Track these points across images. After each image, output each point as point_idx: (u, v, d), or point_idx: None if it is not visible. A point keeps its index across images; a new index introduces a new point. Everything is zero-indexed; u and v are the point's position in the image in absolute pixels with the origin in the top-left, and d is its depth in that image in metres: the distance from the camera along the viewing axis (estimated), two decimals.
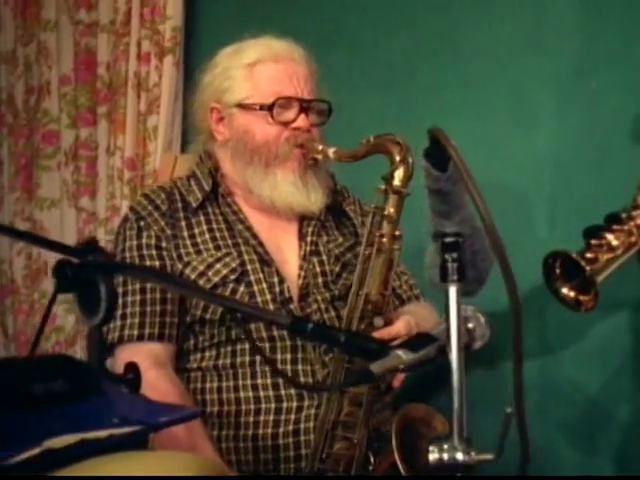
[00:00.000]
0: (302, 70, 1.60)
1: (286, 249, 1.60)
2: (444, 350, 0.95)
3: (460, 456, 0.94)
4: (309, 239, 1.61)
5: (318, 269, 1.58)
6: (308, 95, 1.58)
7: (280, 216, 1.60)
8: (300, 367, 1.48)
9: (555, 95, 2.10)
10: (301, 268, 1.57)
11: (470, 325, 1.01)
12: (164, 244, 1.55)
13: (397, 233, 1.45)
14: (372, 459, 1.34)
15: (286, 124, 1.55)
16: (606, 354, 2.03)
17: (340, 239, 1.65)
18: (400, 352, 0.93)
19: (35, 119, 2.83)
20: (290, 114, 1.56)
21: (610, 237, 1.31)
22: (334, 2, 2.45)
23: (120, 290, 1.50)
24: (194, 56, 2.67)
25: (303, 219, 1.62)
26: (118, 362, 1.48)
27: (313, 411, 1.44)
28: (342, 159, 1.52)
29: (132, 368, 1.15)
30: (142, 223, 1.57)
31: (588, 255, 1.29)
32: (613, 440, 2.01)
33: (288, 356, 1.48)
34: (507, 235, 2.08)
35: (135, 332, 1.48)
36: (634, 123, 2.02)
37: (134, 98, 2.65)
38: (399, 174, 1.45)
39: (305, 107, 1.57)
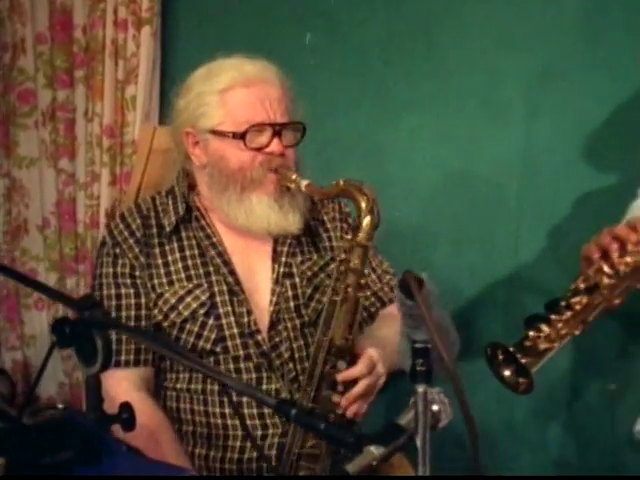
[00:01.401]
0: (275, 91, 1.62)
1: (259, 272, 1.67)
2: (412, 438, 1.08)
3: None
4: (283, 260, 1.68)
5: (290, 293, 1.66)
6: (281, 117, 1.61)
7: (255, 237, 1.66)
8: (264, 387, 1.59)
9: (525, 94, 2.19)
10: (273, 293, 1.65)
11: (435, 407, 1.14)
12: (138, 272, 1.63)
13: (362, 282, 1.53)
14: None
15: (260, 149, 1.60)
16: None
17: (315, 257, 1.72)
18: (372, 448, 1.05)
19: (10, 77, 2.82)
20: (263, 139, 1.60)
21: (547, 329, 1.40)
22: None
23: None
24: (172, 26, 2.67)
25: (277, 239, 1.68)
26: (104, 384, 1.59)
27: (277, 440, 1.56)
28: (313, 194, 1.59)
29: (126, 408, 1.28)
30: (117, 250, 1.64)
31: (526, 344, 1.39)
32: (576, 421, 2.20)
33: (253, 375, 1.60)
34: (479, 225, 2.24)
35: (122, 358, 1.59)
36: (600, 125, 2.12)
37: (111, 66, 2.65)
38: (366, 224, 1.51)
39: (278, 131, 1.60)
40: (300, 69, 2.43)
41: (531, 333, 1.39)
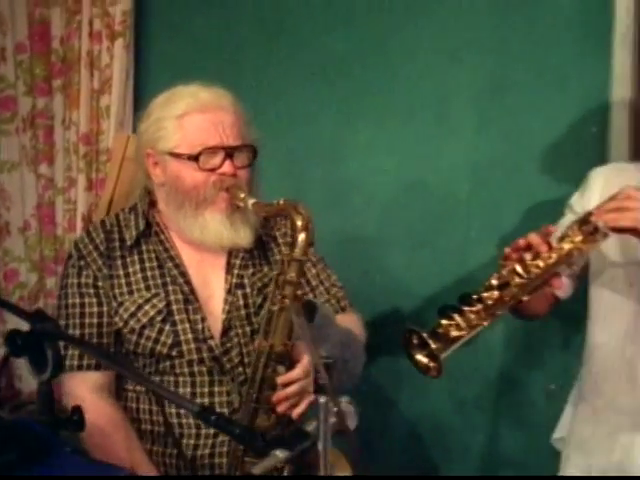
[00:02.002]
0: (228, 117, 1.73)
1: (213, 282, 1.79)
2: (315, 443, 1.20)
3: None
4: (235, 272, 1.80)
5: (242, 302, 1.78)
6: (234, 141, 1.72)
7: (210, 250, 1.77)
8: (217, 399, 1.71)
9: (475, 108, 2.30)
10: (225, 302, 1.77)
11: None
12: (100, 283, 1.75)
13: (299, 293, 1.64)
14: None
15: (213, 170, 1.70)
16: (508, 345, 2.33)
17: (265, 269, 1.83)
18: (278, 452, 1.18)
19: None
20: (216, 160, 1.71)
21: (458, 319, 1.50)
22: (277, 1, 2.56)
23: (62, 323, 1.73)
24: (145, 37, 2.78)
25: (231, 252, 1.80)
26: (64, 387, 1.72)
27: (227, 437, 1.68)
28: (257, 212, 1.70)
29: (77, 411, 1.41)
30: (82, 262, 1.76)
31: (439, 331, 1.49)
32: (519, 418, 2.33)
33: (206, 389, 1.72)
34: (431, 231, 2.35)
35: (75, 362, 1.71)
36: (545, 136, 2.23)
37: (87, 76, 2.77)
38: (301, 241, 1.62)
39: (230, 153, 1.72)
40: (265, 80, 2.56)
41: (444, 322, 1.48)
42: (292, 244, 1.64)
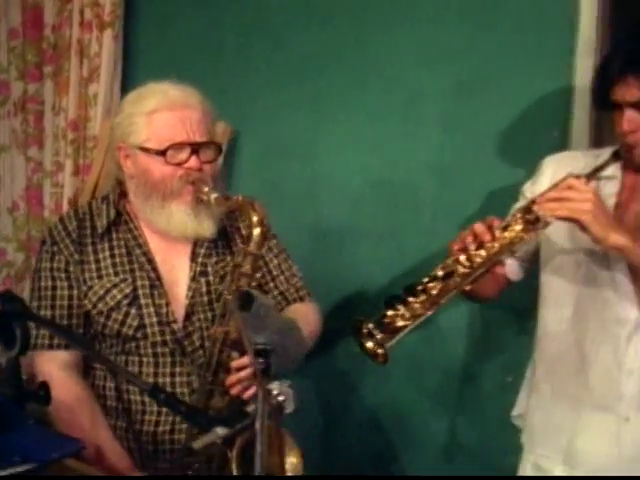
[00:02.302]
0: (195, 115, 1.82)
1: (179, 270, 1.89)
2: (253, 422, 1.30)
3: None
4: (200, 260, 1.90)
5: (204, 289, 1.88)
6: (200, 137, 1.81)
7: (177, 239, 1.87)
8: (177, 379, 1.82)
9: (441, 109, 2.38)
10: (189, 289, 1.87)
11: (281, 398, 1.36)
12: (72, 268, 1.85)
13: (253, 284, 1.74)
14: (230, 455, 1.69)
15: (180, 164, 1.80)
16: (468, 337, 2.42)
17: (228, 258, 1.92)
18: (219, 429, 1.28)
19: None
20: (183, 155, 1.80)
21: (403, 309, 1.60)
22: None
23: (35, 304, 1.84)
24: (134, 28, 2.86)
25: (197, 242, 1.90)
26: (35, 364, 1.83)
27: (171, 416, 1.79)
28: (219, 205, 1.79)
29: (43, 386, 1.52)
30: (55, 248, 1.87)
31: (385, 321, 1.59)
32: (476, 408, 2.43)
33: (168, 370, 1.82)
34: (398, 225, 2.44)
35: (46, 342, 1.81)
36: (507, 140, 2.32)
37: (77, 64, 2.86)
38: (256, 235, 1.71)
39: (196, 149, 1.81)
40: (245, 77, 2.66)
41: (389, 312, 1.58)
42: (248, 238, 1.73)
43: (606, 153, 1.80)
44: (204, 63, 2.70)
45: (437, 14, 2.34)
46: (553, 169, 1.88)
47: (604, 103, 1.78)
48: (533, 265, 1.97)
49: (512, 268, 1.98)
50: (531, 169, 2.28)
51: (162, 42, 2.82)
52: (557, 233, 1.82)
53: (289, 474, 1.54)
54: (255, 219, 1.71)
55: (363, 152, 2.48)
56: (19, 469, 1.30)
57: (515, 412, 2.04)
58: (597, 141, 2.23)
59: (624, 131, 1.72)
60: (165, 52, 2.83)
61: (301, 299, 2.02)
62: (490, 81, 2.31)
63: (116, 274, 1.85)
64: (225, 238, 1.95)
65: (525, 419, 1.99)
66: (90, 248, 1.87)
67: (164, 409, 1.80)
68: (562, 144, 2.23)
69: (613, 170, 1.82)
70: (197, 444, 1.27)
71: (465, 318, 2.42)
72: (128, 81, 2.85)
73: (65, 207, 2.91)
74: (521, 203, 1.93)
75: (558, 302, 1.89)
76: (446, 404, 2.43)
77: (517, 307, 2.28)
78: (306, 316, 1.97)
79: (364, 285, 2.50)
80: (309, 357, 2.27)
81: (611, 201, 1.82)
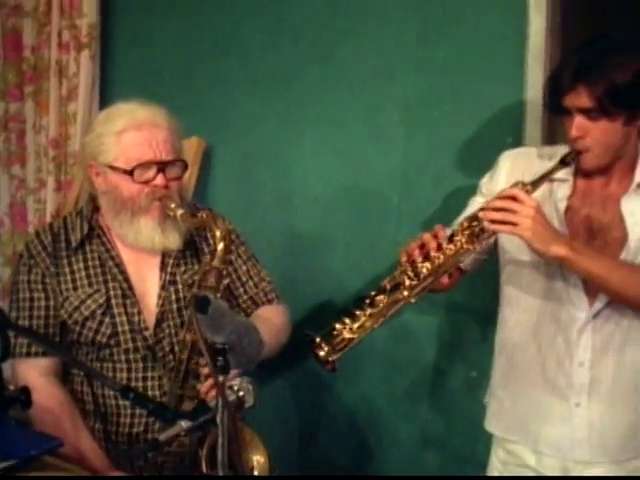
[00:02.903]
0: (162, 134, 1.91)
1: (149, 280, 1.99)
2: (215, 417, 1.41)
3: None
4: (169, 270, 2.00)
5: (174, 297, 1.98)
6: (166, 156, 1.91)
7: (146, 251, 1.98)
8: (149, 383, 1.93)
9: (404, 119, 2.50)
10: (160, 297, 1.97)
11: (241, 393, 1.47)
12: (48, 280, 1.95)
13: (218, 295, 1.82)
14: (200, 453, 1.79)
15: (147, 182, 1.90)
16: (436, 337, 2.54)
17: (197, 267, 2.02)
18: (182, 422, 1.39)
19: None
20: (150, 174, 1.90)
21: (350, 322, 1.67)
22: (230, 16, 2.75)
23: (14, 315, 1.94)
24: (110, 48, 2.97)
25: (165, 253, 2.00)
26: (15, 372, 1.93)
27: (145, 418, 1.91)
28: (185, 222, 1.89)
29: (24, 391, 1.63)
30: (32, 261, 1.97)
31: (334, 333, 1.65)
32: (444, 402, 2.54)
33: (140, 374, 1.93)
34: (367, 231, 2.56)
35: (24, 350, 1.91)
36: (465, 146, 2.44)
37: (56, 84, 2.97)
38: (220, 250, 1.81)
39: (162, 167, 1.91)
40: (219, 90, 2.77)
41: (337, 325, 1.67)
42: (212, 254, 1.83)
43: (561, 150, 1.88)
44: (178, 80, 2.81)
45: (398, 29, 2.47)
46: (510, 165, 1.97)
47: (556, 109, 1.88)
48: (487, 257, 2.06)
49: (468, 260, 2.07)
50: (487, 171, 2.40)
51: (137, 61, 2.93)
52: (513, 239, 1.89)
53: (256, 472, 1.65)
54: (218, 234, 1.81)
55: (331, 162, 2.60)
56: (1, 465, 1.40)
57: (486, 398, 2.13)
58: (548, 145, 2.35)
59: (573, 137, 1.83)
60: (140, 70, 2.94)
61: (269, 302, 2.12)
62: (449, 91, 2.43)
63: (90, 285, 1.96)
64: (193, 248, 2.05)
65: (491, 405, 2.09)
66: (65, 261, 1.97)
67: (137, 411, 1.91)
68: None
69: (566, 174, 1.92)
70: (163, 436, 1.38)
71: (434, 320, 2.53)
72: (106, 99, 2.95)
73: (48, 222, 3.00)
74: (477, 198, 2.04)
75: (517, 302, 2.00)
76: (417, 401, 2.54)
77: (480, 309, 2.40)
78: (274, 317, 2.08)
79: (336, 289, 2.61)
80: (285, 359, 2.39)
81: (562, 204, 1.92)
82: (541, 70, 2.31)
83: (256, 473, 1.67)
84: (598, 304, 1.87)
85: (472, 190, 2.38)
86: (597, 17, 2.67)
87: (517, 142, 2.34)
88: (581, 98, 1.77)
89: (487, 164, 2.38)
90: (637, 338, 1.90)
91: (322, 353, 1.64)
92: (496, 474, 2.06)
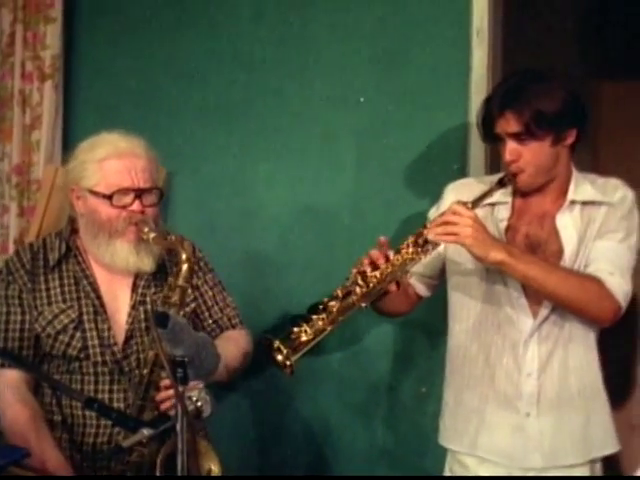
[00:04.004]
0: (141, 163, 2.05)
1: (121, 299, 2.11)
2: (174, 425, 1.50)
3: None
4: (140, 291, 2.11)
5: (143, 316, 2.09)
6: (144, 184, 2.04)
7: (120, 272, 2.09)
8: (115, 395, 2.02)
9: (356, 147, 2.64)
10: (129, 315, 2.09)
11: (199, 403, 1.57)
12: (24, 295, 2.06)
13: (181, 313, 1.96)
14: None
15: (124, 207, 2.02)
16: (388, 354, 2.65)
17: (166, 289, 2.09)
18: (145, 430, 1.48)
19: None
20: (127, 199, 2.02)
21: (306, 326, 1.81)
22: (187, 49, 2.87)
23: None
24: (73, 78, 3.05)
25: (137, 274, 2.11)
26: None
27: (109, 429, 1.99)
28: (156, 244, 2.01)
29: None
30: (10, 278, 2.08)
31: (291, 337, 1.80)
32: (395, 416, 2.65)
33: (107, 387, 2.03)
34: (318, 252, 2.66)
35: None
36: (413, 171, 2.58)
37: (19, 113, 3.03)
38: (184, 271, 1.93)
39: (139, 194, 2.03)
40: (179, 121, 2.88)
41: (295, 329, 1.80)
42: (177, 273, 1.95)
43: (497, 178, 2.05)
44: (139, 109, 2.91)
45: (347, 61, 2.62)
46: (454, 195, 2.11)
47: (490, 137, 2.04)
48: (440, 281, 2.19)
49: (420, 286, 2.20)
50: (435, 198, 2.54)
51: (99, 91, 3.00)
52: (459, 253, 2.05)
53: None
54: (184, 256, 1.94)
55: (287, 187, 2.72)
56: None
57: (441, 415, 2.22)
58: (493, 171, 2.50)
59: (507, 160, 1.98)
60: (102, 100, 3.02)
61: (233, 327, 2.25)
62: (397, 120, 2.59)
63: (64, 301, 2.07)
64: (164, 272, 2.16)
65: (444, 420, 2.19)
66: (42, 278, 2.08)
67: (102, 422, 2.00)
68: (462, 176, 2.49)
69: (505, 196, 2.07)
70: (126, 442, 1.47)
71: (387, 338, 2.65)
72: (69, 127, 3.03)
73: (11, 247, 3.05)
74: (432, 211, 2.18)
75: (463, 316, 2.12)
76: (370, 415, 2.64)
77: (429, 326, 2.52)
78: (237, 340, 2.21)
79: (293, 309, 2.71)
80: (243, 377, 2.48)
81: (503, 225, 2.07)
82: (483, 99, 2.45)
83: None
84: (544, 311, 1.99)
85: (420, 213, 2.53)
86: (535, 48, 2.85)
87: (463, 167, 2.49)
88: (510, 123, 1.93)
89: (434, 188, 2.53)
90: (578, 342, 2.03)
91: (280, 357, 1.76)
92: None
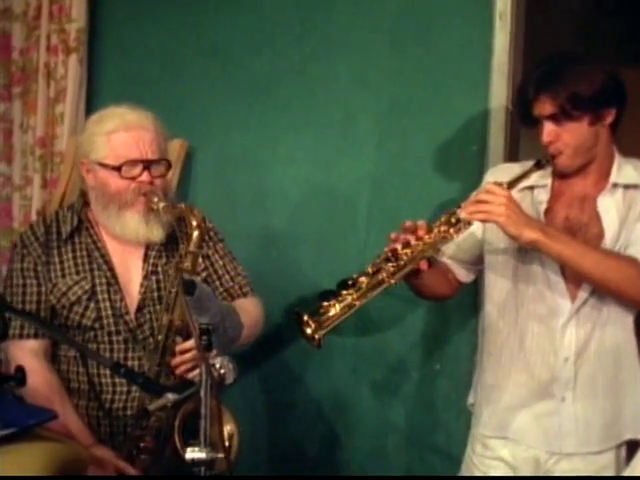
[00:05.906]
0: (149, 135, 2.07)
1: (133, 269, 2.15)
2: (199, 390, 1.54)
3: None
4: (151, 261, 2.15)
5: (155, 286, 2.13)
6: (152, 155, 2.07)
7: (131, 243, 2.13)
8: (130, 363, 2.07)
9: (376, 127, 2.66)
10: (142, 285, 2.13)
11: (222, 371, 1.61)
12: (39, 268, 2.11)
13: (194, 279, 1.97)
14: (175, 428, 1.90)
15: (133, 178, 2.06)
16: (402, 331, 2.69)
17: (177, 259, 2.16)
18: (169, 395, 1.53)
19: None
20: (136, 171, 2.05)
21: (335, 301, 1.82)
22: (213, 23, 2.90)
23: (8, 299, 2.07)
24: (98, 52, 3.09)
25: (149, 245, 2.15)
26: (7, 352, 2.08)
27: (137, 394, 2.05)
28: (166, 212, 2.04)
29: (20, 370, 1.76)
30: (25, 251, 2.12)
31: (320, 311, 1.82)
32: (407, 392, 2.69)
33: (122, 355, 2.08)
34: (336, 231, 2.71)
35: (17, 332, 2.06)
36: (433, 153, 2.60)
37: (44, 85, 3.08)
38: (195, 237, 1.93)
39: (147, 165, 2.06)
40: (202, 95, 2.91)
41: (324, 303, 1.81)
42: (188, 239, 1.96)
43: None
44: (162, 84, 2.94)
45: (371, 44, 2.63)
46: (493, 178, 2.07)
47: (526, 120, 2.04)
48: (481, 266, 2.18)
49: (461, 271, 2.21)
50: (453, 179, 2.57)
51: (123, 65, 3.05)
52: (496, 234, 2.04)
53: (227, 442, 1.78)
54: (194, 223, 1.95)
55: (306, 165, 2.75)
56: (2, 433, 1.53)
57: (469, 401, 2.23)
58: (512, 154, 2.52)
59: (545, 142, 1.98)
60: (126, 74, 3.06)
61: (244, 295, 2.27)
62: (418, 102, 2.60)
63: (77, 273, 2.11)
64: (175, 242, 2.19)
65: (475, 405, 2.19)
66: (55, 251, 2.13)
67: (118, 389, 2.07)
68: (481, 157, 2.51)
69: (544, 178, 2.06)
70: (152, 406, 1.51)
71: (401, 315, 2.68)
72: (93, 101, 3.07)
73: (34, 218, 3.11)
74: None
75: (499, 298, 2.11)
76: (383, 391, 2.68)
77: (445, 304, 2.55)
78: (248, 308, 2.22)
79: (306, 286, 2.75)
80: (256, 351, 2.52)
81: (542, 207, 2.05)
82: (505, 82, 2.49)
83: (227, 443, 1.80)
84: (582, 294, 1.97)
85: (439, 194, 2.55)
86: (558, 32, 2.86)
87: (482, 150, 2.50)
88: (545, 105, 1.94)
89: (453, 171, 2.56)
90: (616, 325, 2.01)
91: (309, 330, 1.79)
92: (472, 468, 2.15)
